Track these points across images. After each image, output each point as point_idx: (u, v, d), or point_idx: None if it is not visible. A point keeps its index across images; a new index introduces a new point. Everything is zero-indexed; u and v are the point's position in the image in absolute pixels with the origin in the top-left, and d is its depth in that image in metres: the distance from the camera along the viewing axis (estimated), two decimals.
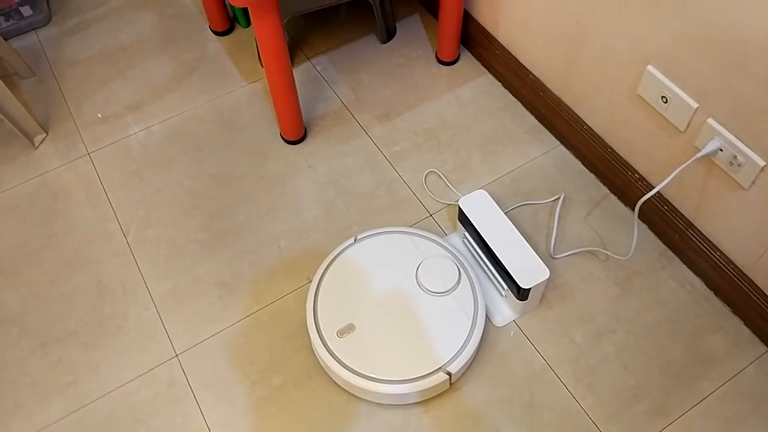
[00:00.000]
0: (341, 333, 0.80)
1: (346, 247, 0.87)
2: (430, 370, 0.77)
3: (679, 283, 0.90)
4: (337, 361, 0.78)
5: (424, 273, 0.84)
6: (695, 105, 0.76)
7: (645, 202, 0.84)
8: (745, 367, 0.82)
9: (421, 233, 0.89)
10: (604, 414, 0.79)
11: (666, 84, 0.78)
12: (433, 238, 0.88)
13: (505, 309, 0.87)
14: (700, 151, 0.77)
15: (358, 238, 0.88)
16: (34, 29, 1.27)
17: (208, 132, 1.10)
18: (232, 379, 0.83)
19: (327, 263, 0.86)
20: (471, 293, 0.83)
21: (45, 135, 1.11)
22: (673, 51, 0.75)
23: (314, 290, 0.84)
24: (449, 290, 0.83)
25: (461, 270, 0.84)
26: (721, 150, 0.75)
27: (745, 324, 0.85)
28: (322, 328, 0.81)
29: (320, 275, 0.85)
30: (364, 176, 1.03)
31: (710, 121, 0.75)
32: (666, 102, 0.80)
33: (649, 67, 0.80)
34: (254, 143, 1.08)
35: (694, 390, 0.81)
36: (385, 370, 0.77)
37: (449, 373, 0.77)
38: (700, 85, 0.74)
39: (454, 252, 0.87)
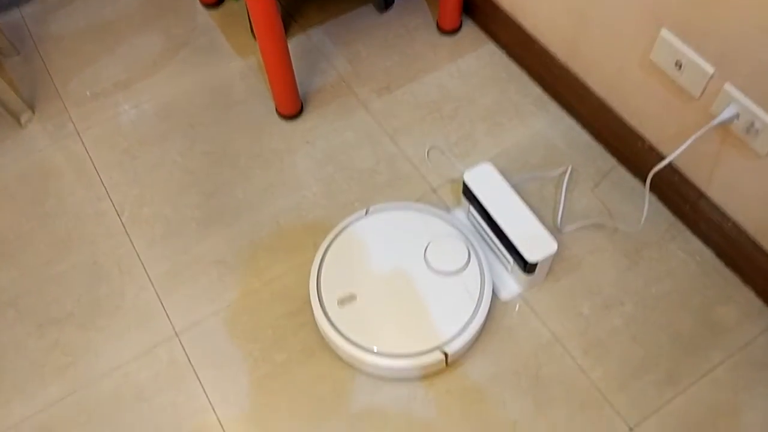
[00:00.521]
0: (342, 302, 0.78)
1: (356, 219, 0.86)
2: (428, 348, 0.76)
3: (689, 254, 0.88)
4: (335, 330, 0.77)
5: (432, 251, 0.82)
6: (711, 70, 0.73)
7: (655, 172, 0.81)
8: (756, 337, 0.81)
9: (432, 210, 0.87)
10: (613, 385, 0.79)
11: (680, 48, 0.75)
12: (443, 216, 0.86)
13: (512, 283, 0.86)
14: (715, 118, 0.74)
15: (370, 210, 0.86)
16: (17, 5, 1.22)
17: (200, 108, 1.06)
18: (235, 357, 0.82)
19: (335, 233, 0.85)
20: (479, 273, 0.81)
21: (32, 114, 1.07)
22: (689, 13, 0.72)
23: (320, 259, 0.82)
24: (457, 271, 0.81)
25: (471, 251, 0.82)
26: (738, 116, 0.72)
27: (756, 294, 0.84)
28: (324, 297, 0.79)
29: (327, 245, 0.84)
30: (363, 151, 1.00)
31: (727, 86, 0.72)
32: (680, 67, 0.77)
33: (663, 31, 0.77)
34: (249, 119, 1.05)
35: (704, 360, 0.80)
36: (382, 343, 0.76)
37: (446, 353, 0.76)
38: (716, 49, 0.71)
39: (465, 231, 0.85)
